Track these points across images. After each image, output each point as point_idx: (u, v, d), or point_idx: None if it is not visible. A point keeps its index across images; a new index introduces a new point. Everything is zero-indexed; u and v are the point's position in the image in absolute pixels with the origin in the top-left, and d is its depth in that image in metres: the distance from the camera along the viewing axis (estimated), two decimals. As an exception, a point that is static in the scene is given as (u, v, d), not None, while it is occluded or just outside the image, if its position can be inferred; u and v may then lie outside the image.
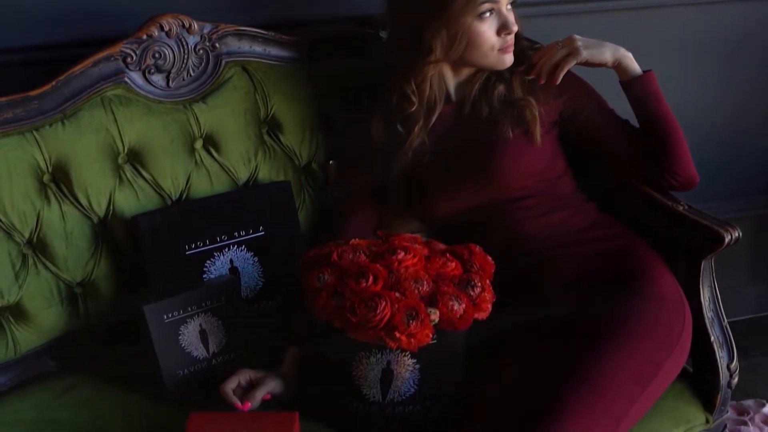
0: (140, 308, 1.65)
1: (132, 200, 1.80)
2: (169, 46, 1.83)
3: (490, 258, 1.63)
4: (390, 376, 1.54)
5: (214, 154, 1.89)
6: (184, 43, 1.84)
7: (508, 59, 1.79)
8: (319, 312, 1.53)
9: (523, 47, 1.85)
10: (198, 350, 1.71)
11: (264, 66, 1.95)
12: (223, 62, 1.90)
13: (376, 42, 2.05)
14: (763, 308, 2.86)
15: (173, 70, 1.85)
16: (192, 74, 1.87)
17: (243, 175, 1.92)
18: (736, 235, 1.71)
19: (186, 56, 1.85)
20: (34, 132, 1.72)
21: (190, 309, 1.69)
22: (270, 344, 1.72)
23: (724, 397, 1.78)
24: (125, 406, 1.67)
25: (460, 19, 1.71)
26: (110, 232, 1.79)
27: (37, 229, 1.73)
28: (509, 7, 1.76)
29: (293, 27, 2.03)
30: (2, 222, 1.69)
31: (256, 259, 1.87)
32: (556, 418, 1.48)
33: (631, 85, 1.81)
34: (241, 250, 1.86)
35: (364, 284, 1.50)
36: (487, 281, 1.58)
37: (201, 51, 1.87)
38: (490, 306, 1.56)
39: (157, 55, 1.82)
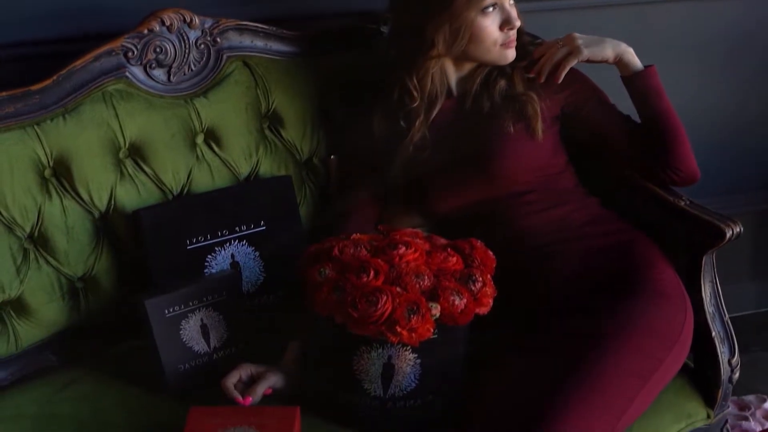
0: (141, 303, 1.65)
1: (133, 195, 1.80)
2: (170, 40, 1.83)
3: (491, 253, 1.63)
4: (391, 371, 1.54)
5: (216, 148, 1.89)
6: (186, 37, 1.84)
7: (511, 54, 1.78)
8: (321, 307, 1.53)
9: (525, 42, 1.85)
10: (199, 345, 1.71)
11: (265, 61, 1.95)
12: (225, 57, 1.90)
13: (377, 37, 2.05)
14: (764, 304, 2.86)
15: (174, 65, 1.84)
16: (193, 69, 1.87)
17: (244, 169, 1.92)
18: (738, 230, 1.71)
19: (187, 51, 1.85)
20: (36, 126, 1.72)
21: (191, 303, 1.69)
22: (271, 339, 1.72)
23: (725, 393, 1.78)
24: (126, 401, 1.67)
25: (464, 14, 1.70)
26: (111, 227, 1.79)
27: (39, 224, 1.73)
28: (512, 2, 1.76)
29: (295, 22, 2.02)
30: (3, 216, 1.69)
31: (257, 253, 1.87)
32: (555, 414, 1.48)
33: (633, 80, 1.81)
34: (243, 245, 1.86)
35: (365, 279, 1.50)
36: (489, 276, 1.58)
37: (202, 46, 1.87)
38: (491, 301, 1.56)
39: (158, 49, 1.81)
